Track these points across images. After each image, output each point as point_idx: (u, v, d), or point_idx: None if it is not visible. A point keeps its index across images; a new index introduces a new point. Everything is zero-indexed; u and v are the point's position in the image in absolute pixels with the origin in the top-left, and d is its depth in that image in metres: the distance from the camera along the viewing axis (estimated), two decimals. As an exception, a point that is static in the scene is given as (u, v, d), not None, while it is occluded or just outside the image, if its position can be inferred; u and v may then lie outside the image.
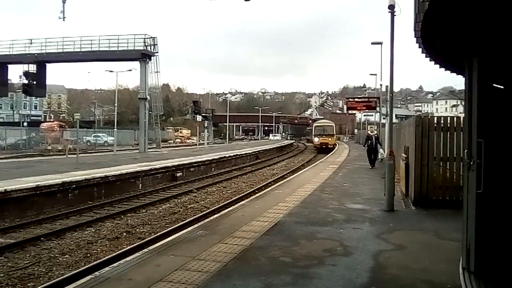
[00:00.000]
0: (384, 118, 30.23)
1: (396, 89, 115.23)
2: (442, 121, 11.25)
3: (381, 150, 22.62)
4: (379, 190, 13.18)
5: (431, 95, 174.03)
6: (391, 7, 11.66)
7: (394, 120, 22.04)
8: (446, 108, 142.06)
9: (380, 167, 18.92)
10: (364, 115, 72.27)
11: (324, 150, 45.41)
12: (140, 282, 5.60)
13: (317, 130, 51.98)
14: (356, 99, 31.00)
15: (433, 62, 7.16)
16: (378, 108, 29.66)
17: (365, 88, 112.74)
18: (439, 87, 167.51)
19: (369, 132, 24.53)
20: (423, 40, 5.62)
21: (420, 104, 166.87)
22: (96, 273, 6.02)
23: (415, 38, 5.91)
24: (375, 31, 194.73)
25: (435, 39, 5.47)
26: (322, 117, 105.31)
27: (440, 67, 7.46)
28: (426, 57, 6.80)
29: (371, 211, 10.51)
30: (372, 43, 29.85)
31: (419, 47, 6.30)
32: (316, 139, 50.51)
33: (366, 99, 30.58)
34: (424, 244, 7.59)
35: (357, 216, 9.90)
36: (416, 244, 7.60)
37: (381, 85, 35.77)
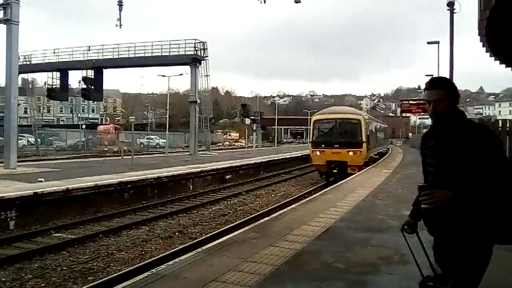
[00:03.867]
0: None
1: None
2: (508, 125, 10.18)
3: None
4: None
5: (493, 97, 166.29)
6: (451, 5, 11.23)
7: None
8: (510, 110, 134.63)
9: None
10: (419, 118, 69.84)
11: (336, 175, 22.23)
12: (194, 280, 5.65)
13: (320, 130, 24.51)
14: (410, 101, 30.21)
15: (498, 62, 6.86)
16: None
17: (420, 90, 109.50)
18: (501, 88, 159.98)
19: None
20: (488, 38, 5.39)
21: (480, 106, 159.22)
22: (153, 270, 6.14)
23: (479, 37, 5.69)
24: (429, 31, 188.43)
25: (502, 37, 5.23)
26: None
27: (506, 67, 7.14)
28: (490, 56, 6.54)
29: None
30: (428, 43, 29.16)
31: (483, 46, 6.06)
32: (316, 153, 23.48)
33: (422, 101, 29.69)
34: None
35: (412, 223, 9.58)
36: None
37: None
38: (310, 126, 26.28)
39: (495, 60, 6.67)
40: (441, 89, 3.00)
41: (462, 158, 2.78)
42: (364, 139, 23.12)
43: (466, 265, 2.90)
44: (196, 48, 37.97)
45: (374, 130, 30.19)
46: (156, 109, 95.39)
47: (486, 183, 2.70)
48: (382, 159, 33.56)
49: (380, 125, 40.00)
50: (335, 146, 22.75)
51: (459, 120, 2.96)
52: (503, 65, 7.12)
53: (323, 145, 23.29)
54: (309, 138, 26.74)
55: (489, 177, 2.70)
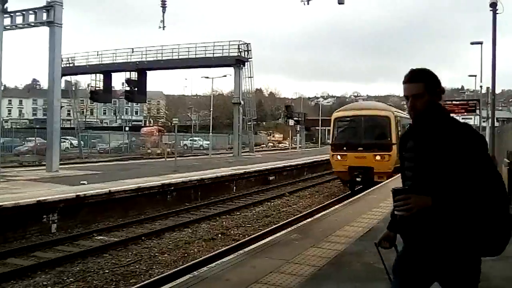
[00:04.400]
0: (484, 121, 28.31)
1: (497, 90, 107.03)
2: None
3: None
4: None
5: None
6: (493, 5, 10.93)
7: (496, 124, 20.42)
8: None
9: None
10: (463, 118, 67.96)
11: (361, 184, 19.43)
12: (236, 282, 5.61)
13: (341, 130, 21.29)
14: (454, 102, 29.35)
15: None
16: (478, 111, 27.85)
17: (463, 91, 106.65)
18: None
19: None
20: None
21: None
22: (195, 272, 6.12)
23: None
24: (472, 31, 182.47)
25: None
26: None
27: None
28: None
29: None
30: (472, 43, 28.64)
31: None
32: (337, 157, 20.13)
33: (465, 101, 28.87)
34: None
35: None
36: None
37: (481, 86, 33.72)
38: (331, 125, 21.29)
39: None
40: (421, 82, 2.60)
41: (442, 161, 2.44)
42: (394, 140, 18.78)
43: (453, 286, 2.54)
44: (240, 50, 37.98)
45: None
46: (200, 110, 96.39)
47: (468, 189, 2.36)
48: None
49: None
50: (358, 149, 19.12)
51: (441, 119, 2.60)
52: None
53: (344, 148, 19.64)
54: (330, 140, 22.20)
55: (471, 184, 2.36)
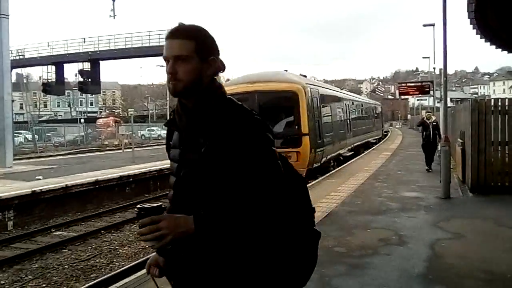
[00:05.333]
0: (438, 102, 29.33)
1: (450, 71, 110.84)
2: (500, 103, 10.76)
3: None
4: (434, 177, 12.84)
5: (488, 76, 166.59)
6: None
7: (449, 104, 21.18)
8: (504, 89, 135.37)
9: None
10: (418, 100, 69.79)
11: None
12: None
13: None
14: (408, 84, 30.17)
15: (488, 43, 6.86)
16: (432, 92, 28.83)
17: (418, 72, 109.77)
18: (496, 67, 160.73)
19: (424, 118, 16.36)
20: (477, 20, 5.39)
21: (476, 86, 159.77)
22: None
23: (469, 19, 5.67)
24: (426, 13, 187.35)
25: (490, 19, 5.24)
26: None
27: (496, 48, 7.15)
28: (481, 38, 6.54)
29: (426, 199, 10.22)
30: (424, 25, 29.29)
31: (473, 28, 6.05)
32: None
33: (419, 83, 29.73)
34: (483, 232, 7.32)
35: (412, 204, 9.66)
36: (474, 232, 7.35)
37: (434, 68, 34.80)
38: None
39: (485, 41, 6.69)
40: (190, 40, 1.72)
41: (210, 170, 1.67)
42: (306, 127, 13.67)
43: None
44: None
45: (345, 111, 20.90)
46: (157, 100, 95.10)
47: (243, 208, 1.64)
48: (381, 142, 33.71)
49: (364, 104, 30.22)
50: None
51: (213, 103, 1.76)
52: (493, 46, 7.14)
53: None
54: None
55: (248, 201, 1.63)
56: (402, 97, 61.36)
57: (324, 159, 15.64)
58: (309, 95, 14.20)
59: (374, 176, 14.20)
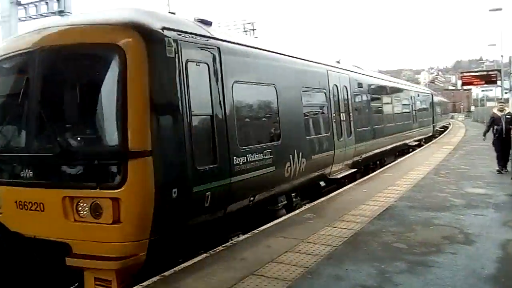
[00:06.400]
0: (507, 93, 27.83)
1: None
2: None
3: None
4: (504, 174, 12.15)
5: None
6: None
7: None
8: None
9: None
10: (482, 90, 66.65)
11: None
12: (252, 261, 5.64)
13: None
14: (472, 73, 28.84)
15: None
16: (499, 82, 27.41)
17: (482, 61, 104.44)
18: None
19: (496, 110, 13.96)
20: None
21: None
22: (211, 251, 6.14)
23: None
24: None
25: None
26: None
27: None
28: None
29: (495, 196, 9.58)
30: (490, 10, 27.84)
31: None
32: None
33: (485, 73, 28.32)
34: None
35: (478, 201, 9.10)
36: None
37: (502, 56, 33.03)
38: None
39: None
40: None
41: None
42: (146, 135, 5.32)
43: None
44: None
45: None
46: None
47: None
48: (443, 134, 32.32)
49: (389, 88, 18.78)
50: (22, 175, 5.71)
51: None
52: None
53: None
54: None
55: None
56: (465, 87, 58.47)
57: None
58: (173, 55, 5.83)
59: (436, 171, 13.58)
